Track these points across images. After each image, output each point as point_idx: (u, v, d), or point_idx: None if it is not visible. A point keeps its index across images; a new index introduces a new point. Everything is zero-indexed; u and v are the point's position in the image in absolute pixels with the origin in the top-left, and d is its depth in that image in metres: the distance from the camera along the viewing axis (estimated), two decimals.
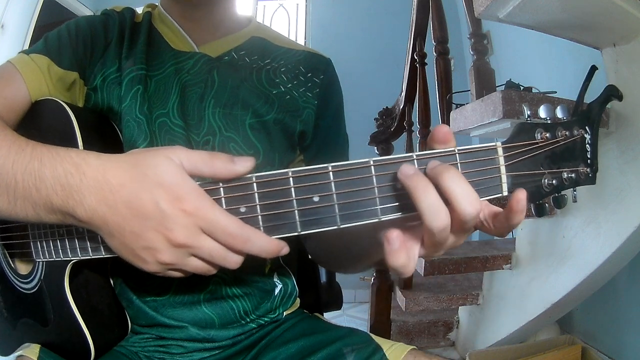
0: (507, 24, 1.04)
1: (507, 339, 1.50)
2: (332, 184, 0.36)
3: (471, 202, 0.33)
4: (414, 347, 0.56)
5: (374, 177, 0.36)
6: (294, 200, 0.36)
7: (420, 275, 1.52)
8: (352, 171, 0.36)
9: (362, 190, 0.36)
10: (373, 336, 0.60)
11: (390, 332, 1.72)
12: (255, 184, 0.37)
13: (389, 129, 2.12)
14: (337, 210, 0.36)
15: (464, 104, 1.25)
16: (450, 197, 0.33)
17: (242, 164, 0.37)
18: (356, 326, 0.63)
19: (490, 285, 1.61)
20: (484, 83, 1.52)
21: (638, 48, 1.02)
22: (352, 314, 2.63)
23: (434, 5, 1.65)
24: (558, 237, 1.31)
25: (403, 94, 2.01)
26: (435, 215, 0.33)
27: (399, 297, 1.66)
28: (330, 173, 0.36)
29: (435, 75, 1.61)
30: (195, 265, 0.38)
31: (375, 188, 0.36)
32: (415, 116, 1.84)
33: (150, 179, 0.36)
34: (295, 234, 0.37)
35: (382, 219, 0.36)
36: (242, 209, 0.37)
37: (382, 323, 1.68)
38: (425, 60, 1.81)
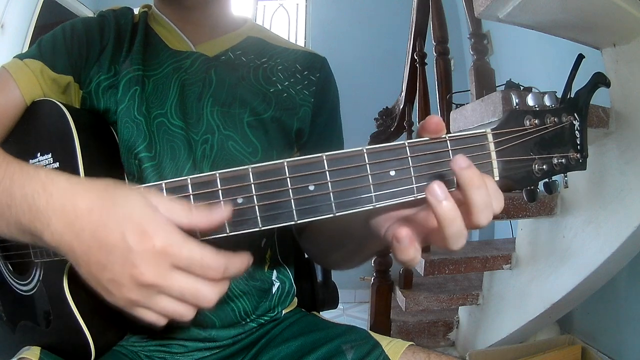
0: (507, 24, 1.04)
1: (507, 339, 1.50)
2: (327, 173, 0.36)
3: (488, 215, 0.34)
4: (412, 343, 0.56)
5: (367, 165, 0.36)
6: (290, 190, 0.37)
7: (420, 275, 1.52)
8: (345, 159, 0.37)
9: (356, 178, 0.37)
10: (372, 333, 0.60)
11: (390, 332, 1.72)
12: (251, 175, 0.37)
13: (389, 129, 2.12)
14: (332, 198, 0.37)
15: (464, 104, 1.25)
16: (471, 207, 0.34)
17: (220, 214, 0.35)
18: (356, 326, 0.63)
19: (490, 285, 1.61)
20: (484, 83, 1.52)
21: (638, 48, 1.02)
22: (352, 314, 2.63)
23: (434, 5, 1.65)
24: (558, 237, 1.31)
25: (403, 94, 2.01)
26: (458, 240, 0.35)
27: (399, 297, 1.67)
28: (325, 162, 0.36)
29: (435, 75, 1.61)
30: (165, 305, 0.35)
31: (369, 176, 0.36)
32: (415, 116, 1.84)
33: (119, 209, 0.34)
34: (292, 222, 0.37)
35: (377, 206, 0.37)
36: (239, 200, 0.37)
37: (382, 323, 1.68)
38: (425, 60, 1.82)
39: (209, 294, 0.36)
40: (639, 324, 1.39)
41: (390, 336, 0.59)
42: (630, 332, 1.43)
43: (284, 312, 0.67)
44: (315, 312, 0.74)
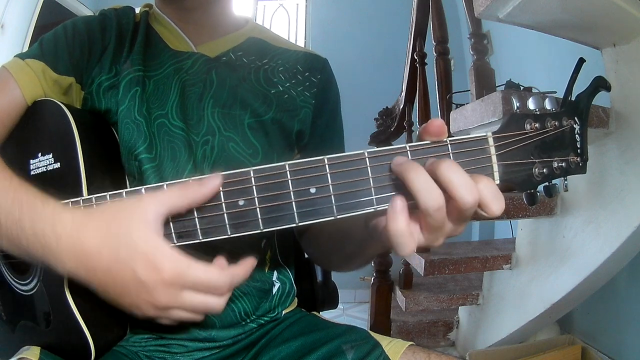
0: (507, 24, 1.04)
1: (507, 339, 1.50)
2: (328, 176, 0.37)
3: (469, 190, 0.34)
4: (412, 342, 0.56)
5: (368, 168, 0.37)
6: (291, 192, 0.37)
7: (420, 275, 1.52)
8: (347, 163, 0.37)
9: (358, 181, 0.37)
10: (372, 333, 0.60)
11: (390, 332, 1.72)
12: (253, 177, 0.37)
13: (389, 129, 2.12)
14: (333, 201, 0.37)
15: (464, 104, 1.25)
16: (449, 186, 0.34)
17: (212, 182, 0.38)
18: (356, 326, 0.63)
19: (490, 285, 1.61)
20: (484, 83, 1.52)
21: (638, 48, 1.02)
22: (352, 314, 2.63)
23: (434, 5, 1.65)
24: (558, 237, 1.31)
25: (403, 94, 2.01)
26: (429, 194, 0.34)
27: (399, 297, 1.67)
28: (326, 165, 0.37)
29: (435, 75, 1.61)
30: (179, 315, 0.41)
31: (370, 178, 0.37)
32: (415, 116, 1.84)
33: (126, 246, 0.38)
34: (293, 225, 0.37)
35: (378, 209, 0.37)
36: (241, 202, 0.37)
37: (382, 323, 1.68)
38: (425, 60, 1.82)
39: (217, 304, 0.41)
40: (639, 324, 1.39)
41: (390, 336, 0.59)
42: (630, 332, 1.43)
43: (284, 312, 0.67)
44: (315, 312, 0.74)
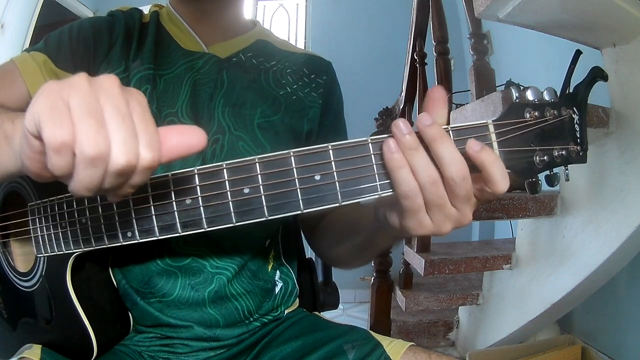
0: (507, 24, 1.04)
1: (507, 339, 1.50)
2: (333, 163, 0.37)
3: (458, 169, 0.35)
4: (413, 343, 0.57)
5: (372, 155, 0.37)
6: (296, 180, 0.37)
7: (420, 275, 1.53)
8: (350, 149, 0.37)
9: (361, 168, 0.37)
10: (372, 333, 0.60)
11: (390, 332, 1.72)
12: (258, 165, 0.37)
13: (389, 129, 2.12)
14: (338, 188, 0.37)
15: (464, 104, 1.25)
16: (440, 162, 0.35)
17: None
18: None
19: (490, 285, 1.61)
20: (484, 83, 1.52)
21: (638, 48, 1.02)
22: (352, 314, 2.63)
23: (434, 5, 1.65)
24: (558, 237, 1.31)
25: (403, 94, 2.02)
26: (414, 195, 0.36)
27: (399, 297, 1.67)
28: (330, 152, 0.37)
29: (435, 75, 1.62)
30: (83, 132, 0.29)
31: (374, 165, 0.37)
32: (415, 116, 1.84)
33: None
34: (299, 212, 0.38)
35: (382, 195, 0.37)
36: (246, 190, 0.37)
37: (382, 323, 1.68)
38: (425, 60, 1.82)
39: (122, 149, 0.30)
40: (639, 324, 1.39)
41: (390, 336, 0.59)
42: (630, 332, 1.43)
43: (286, 311, 0.67)
44: (316, 313, 0.74)
